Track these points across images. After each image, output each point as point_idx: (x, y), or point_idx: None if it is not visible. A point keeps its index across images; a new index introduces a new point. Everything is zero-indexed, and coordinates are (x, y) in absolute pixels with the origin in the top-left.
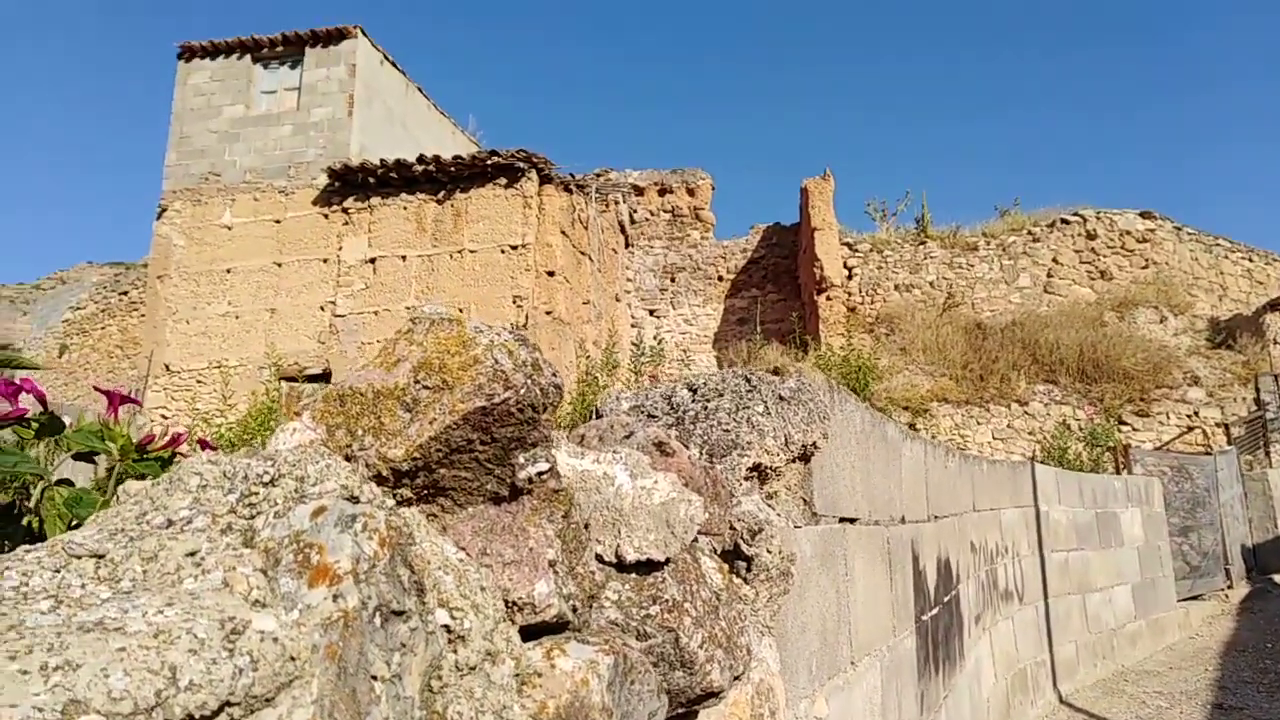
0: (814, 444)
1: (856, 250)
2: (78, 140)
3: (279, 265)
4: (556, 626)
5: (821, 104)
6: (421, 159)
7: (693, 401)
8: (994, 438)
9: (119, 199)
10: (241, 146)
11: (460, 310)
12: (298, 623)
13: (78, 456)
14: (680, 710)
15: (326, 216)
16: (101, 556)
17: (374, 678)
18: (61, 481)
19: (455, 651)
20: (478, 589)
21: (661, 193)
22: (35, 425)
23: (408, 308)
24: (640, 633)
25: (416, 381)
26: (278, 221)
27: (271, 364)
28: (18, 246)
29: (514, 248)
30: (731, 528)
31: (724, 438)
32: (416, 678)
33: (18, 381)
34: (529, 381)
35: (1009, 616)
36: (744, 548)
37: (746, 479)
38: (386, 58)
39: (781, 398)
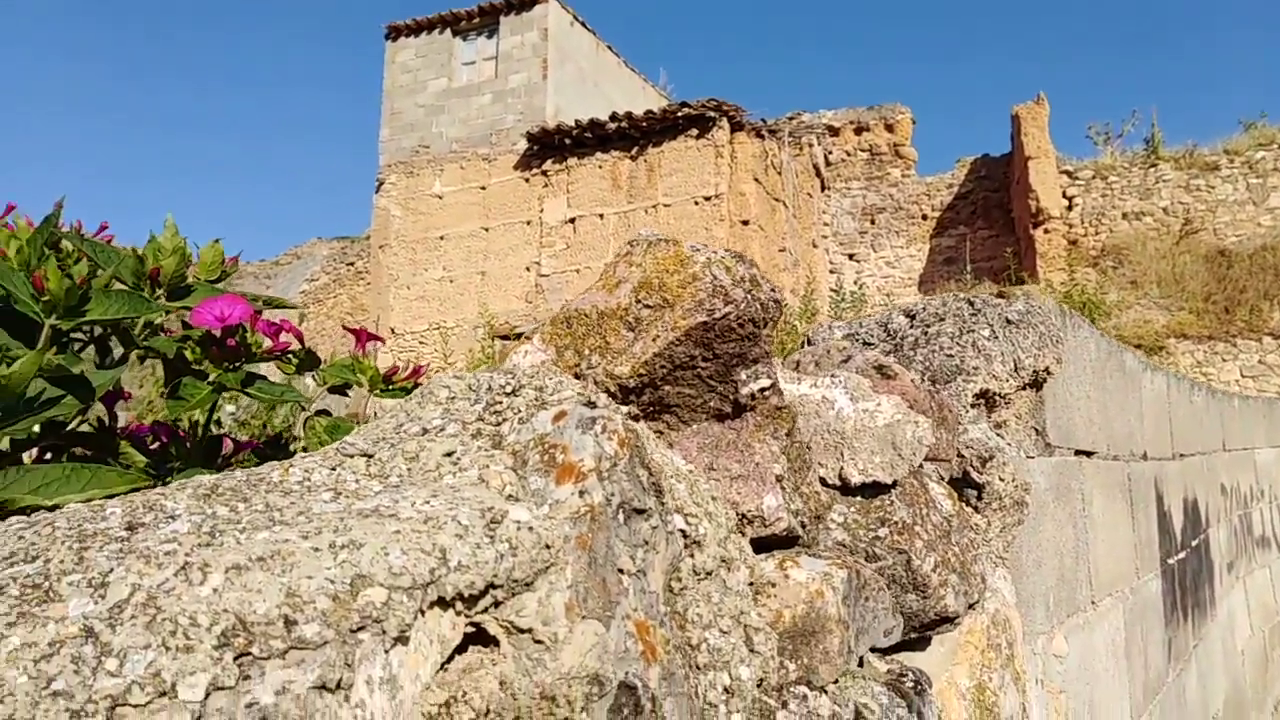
0: (1046, 370)
1: (1077, 178)
2: (301, 121)
3: (486, 230)
4: (785, 541)
5: (1028, 30)
6: (614, 116)
7: (911, 327)
8: (1242, 375)
9: (341, 174)
10: (446, 118)
11: None
12: (548, 516)
13: (332, 390)
14: (913, 634)
15: (527, 180)
16: (370, 456)
17: (620, 571)
18: (320, 412)
19: (692, 556)
20: (708, 498)
21: (858, 131)
22: (295, 361)
23: (607, 264)
24: (869, 554)
25: (638, 301)
26: (483, 188)
27: (485, 323)
28: (260, 226)
29: (707, 199)
30: (959, 455)
31: (946, 363)
32: (659, 575)
33: (278, 322)
34: (748, 296)
35: (1266, 565)
36: (973, 475)
37: (973, 406)
38: (576, 19)
39: (1009, 321)
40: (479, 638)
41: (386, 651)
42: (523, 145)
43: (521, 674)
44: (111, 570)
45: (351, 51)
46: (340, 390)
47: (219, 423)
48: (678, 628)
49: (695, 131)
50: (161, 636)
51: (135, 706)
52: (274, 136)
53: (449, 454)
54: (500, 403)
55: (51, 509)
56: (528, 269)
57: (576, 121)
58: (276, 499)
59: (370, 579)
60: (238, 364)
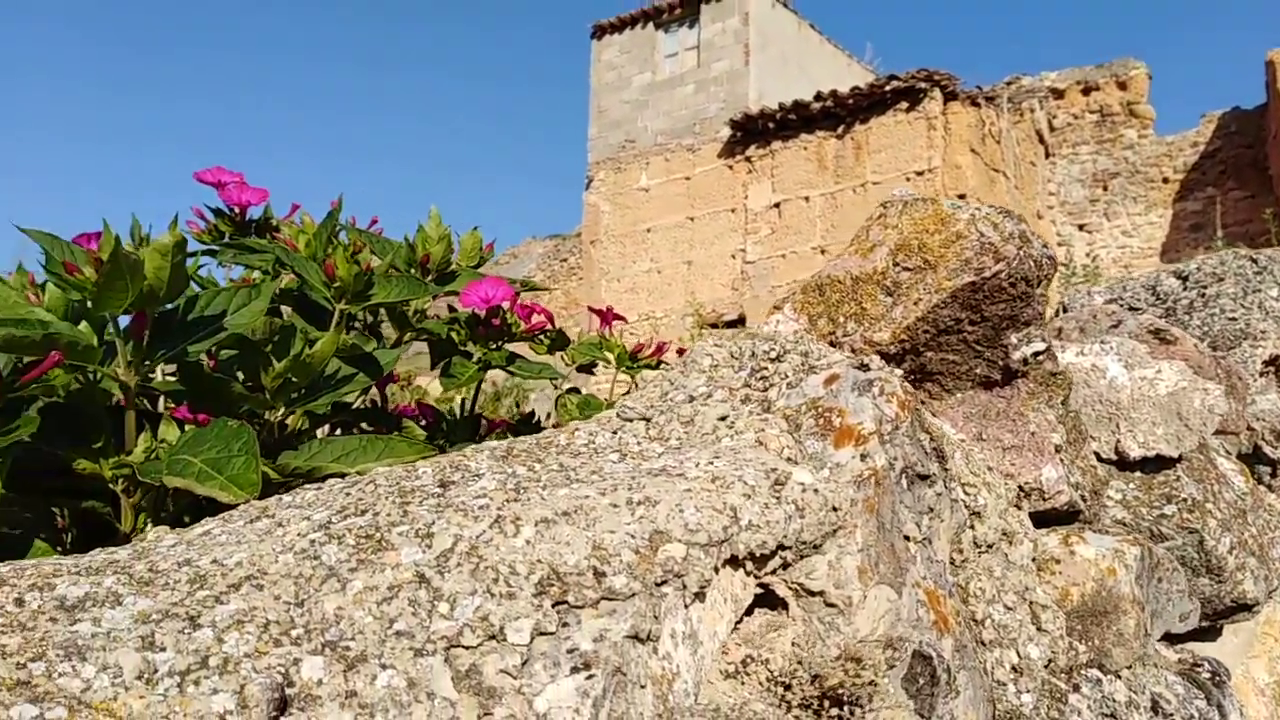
0: None
1: None
2: (510, 120)
3: (691, 220)
4: (1065, 516)
5: None
6: (818, 96)
7: (1184, 289)
8: None
9: (549, 173)
10: (650, 112)
11: None
12: (829, 479)
13: (580, 369)
14: (1204, 622)
15: (731, 168)
16: (648, 420)
17: (906, 538)
18: (570, 390)
19: (972, 528)
20: (984, 468)
21: (1085, 92)
22: (547, 340)
23: (813, 248)
24: (1154, 533)
25: (895, 264)
26: (687, 178)
27: (692, 312)
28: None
29: (919, 174)
30: (1249, 428)
31: (1229, 327)
32: (944, 544)
33: (529, 304)
34: (1020, 253)
35: None
36: (1266, 450)
37: (1261, 374)
38: (778, 0)
39: None
40: (765, 600)
41: (686, 607)
42: (726, 133)
43: (815, 636)
44: (434, 522)
45: (558, 51)
46: (588, 369)
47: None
48: (960, 601)
49: (905, 105)
50: (485, 584)
51: (468, 648)
52: (480, 136)
53: (723, 418)
54: (766, 368)
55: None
56: (733, 256)
57: (780, 104)
58: (568, 460)
59: (668, 535)
60: (500, 343)
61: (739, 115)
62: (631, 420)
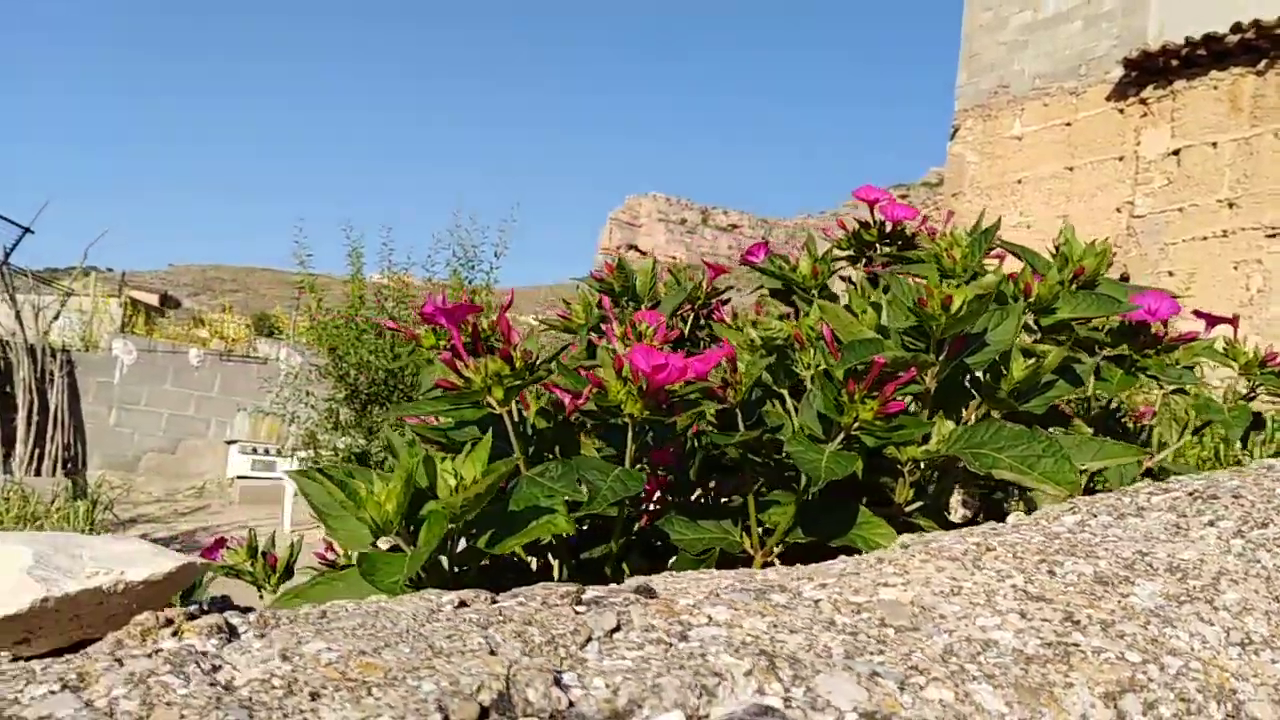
0: None
1: None
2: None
3: (1069, 170)
4: None
5: None
6: (1236, 27)
7: None
8: None
9: (887, 125)
10: (1029, 54)
11: None
12: None
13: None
14: None
15: (1121, 111)
16: None
17: None
18: (1176, 390)
19: None
20: None
21: None
22: (1196, 350)
23: (1219, 200)
24: None
25: None
26: (1067, 125)
27: None
28: (803, 178)
29: None
30: None
31: None
32: None
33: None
34: None
35: None
36: None
37: None
38: None
39: None
40: None
41: None
42: (1117, 73)
43: None
44: None
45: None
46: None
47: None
48: None
49: None
50: None
51: None
52: (825, 80)
53: None
54: None
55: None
56: (1118, 210)
57: (1187, 39)
58: None
59: None
60: (1154, 351)
61: (1135, 53)
62: None
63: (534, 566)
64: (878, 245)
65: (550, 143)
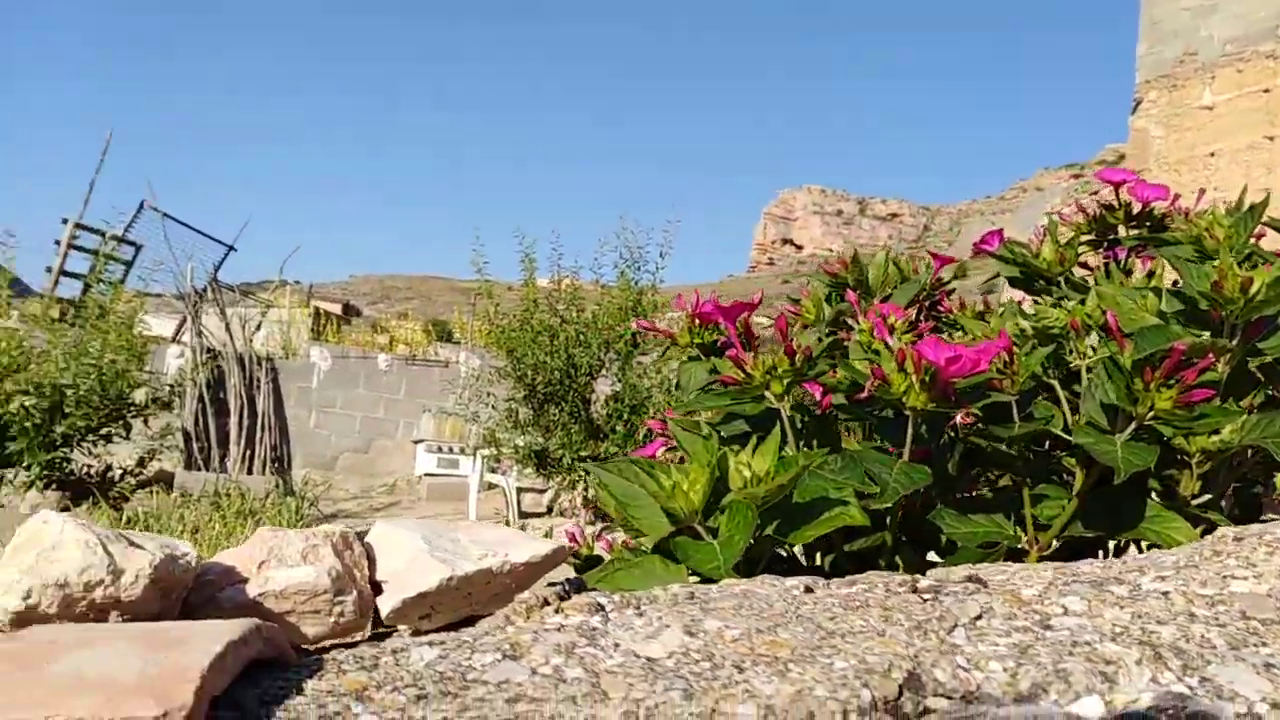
0: None
1: None
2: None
3: (1270, 140)
4: None
5: None
6: None
7: None
8: None
9: (1058, 100)
10: (1217, 18)
11: None
12: None
13: None
14: None
15: None
16: None
17: None
18: None
19: None
20: None
21: None
22: None
23: None
24: None
25: None
26: (1265, 91)
27: None
28: (961, 162)
29: None
30: None
31: None
32: None
33: None
34: None
35: None
36: None
37: None
38: None
39: None
40: None
41: None
42: None
43: None
44: None
45: None
46: None
47: None
48: None
49: None
50: None
51: None
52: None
53: None
54: None
55: None
56: None
57: None
58: None
59: None
60: None
61: None
62: None
63: (798, 557)
64: (1123, 228)
65: (699, 138)
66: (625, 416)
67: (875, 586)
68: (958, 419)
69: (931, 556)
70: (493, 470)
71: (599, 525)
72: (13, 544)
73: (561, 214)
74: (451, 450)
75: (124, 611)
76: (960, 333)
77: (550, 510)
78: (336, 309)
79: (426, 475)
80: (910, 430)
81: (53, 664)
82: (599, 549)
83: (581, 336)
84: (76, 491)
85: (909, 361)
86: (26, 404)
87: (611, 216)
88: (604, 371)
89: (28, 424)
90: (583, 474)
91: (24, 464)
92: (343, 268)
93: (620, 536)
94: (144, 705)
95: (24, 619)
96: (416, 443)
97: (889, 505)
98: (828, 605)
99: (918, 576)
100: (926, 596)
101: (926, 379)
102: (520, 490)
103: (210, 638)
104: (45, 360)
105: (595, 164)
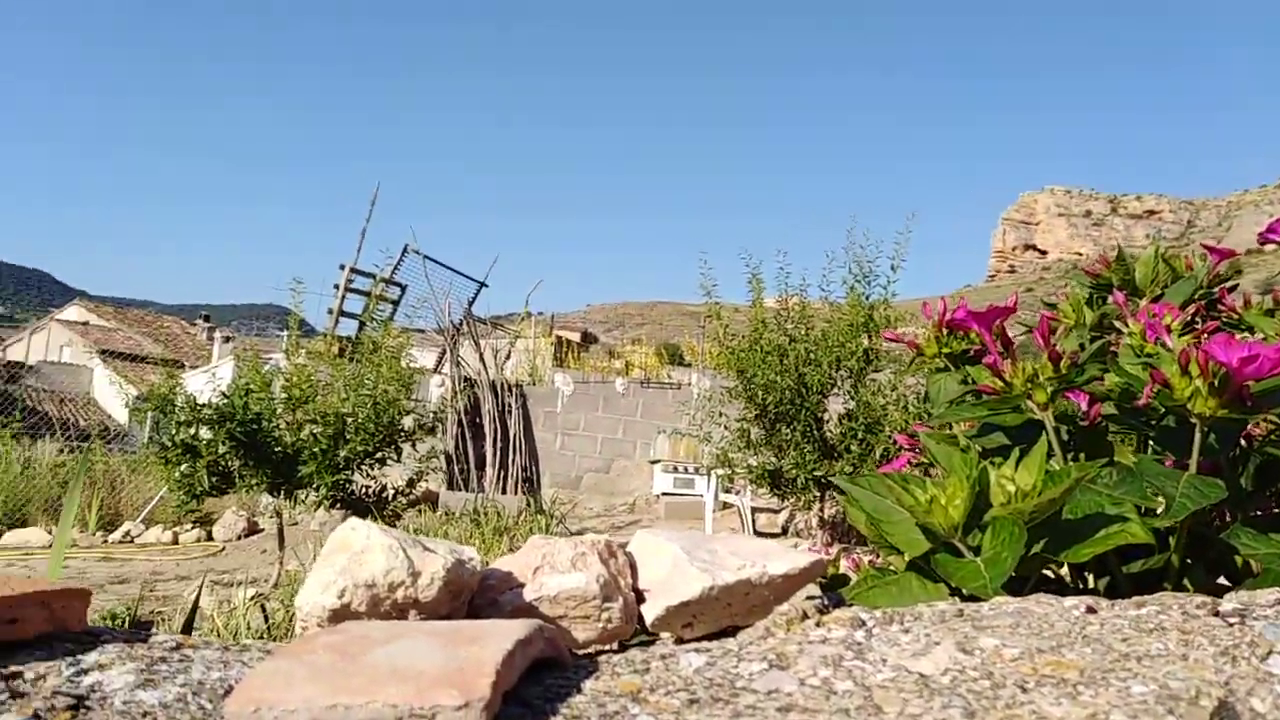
0: None
1: None
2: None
3: None
4: None
5: None
6: None
7: None
8: None
9: None
10: None
11: None
12: None
13: None
14: None
15: None
16: None
17: None
18: None
19: None
20: None
21: None
22: None
23: None
24: None
25: None
26: None
27: None
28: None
29: None
30: None
31: None
32: None
33: None
34: None
35: None
36: None
37: None
38: None
39: None
40: None
41: None
42: None
43: None
44: None
45: None
46: None
47: None
48: None
49: None
50: None
51: None
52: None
53: None
54: None
55: None
56: None
57: None
58: None
59: None
60: None
61: None
62: None
63: (1066, 579)
64: None
65: (934, 141)
66: (860, 435)
67: (1169, 608)
68: (1253, 428)
69: (1221, 581)
70: (727, 490)
71: (837, 546)
72: (325, 549)
73: (787, 226)
74: (687, 470)
75: (420, 610)
76: (1247, 334)
77: (785, 531)
78: (576, 337)
79: (664, 494)
80: (1196, 440)
81: (368, 655)
82: (844, 567)
83: (811, 355)
84: (356, 510)
85: (1194, 363)
86: (315, 431)
87: (839, 230)
88: (836, 390)
89: (316, 449)
90: (818, 494)
91: (314, 485)
92: (580, 297)
93: (866, 556)
94: (449, 695)
95: (339, 615)
96: (653, 463)
97: (1175, 523)
98: (1116, 626)
99: (1217, 600)
100: (1232, 620)
101: (1216, 382)
102: (755, 510)
103: (501, 636)
104: (329, 392)
105: (817, 175)
